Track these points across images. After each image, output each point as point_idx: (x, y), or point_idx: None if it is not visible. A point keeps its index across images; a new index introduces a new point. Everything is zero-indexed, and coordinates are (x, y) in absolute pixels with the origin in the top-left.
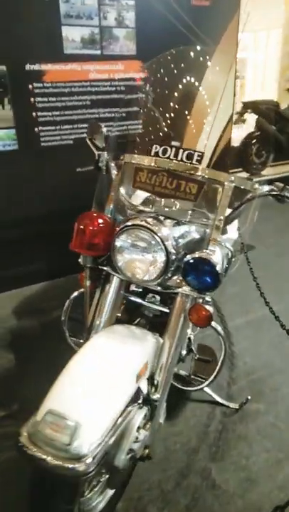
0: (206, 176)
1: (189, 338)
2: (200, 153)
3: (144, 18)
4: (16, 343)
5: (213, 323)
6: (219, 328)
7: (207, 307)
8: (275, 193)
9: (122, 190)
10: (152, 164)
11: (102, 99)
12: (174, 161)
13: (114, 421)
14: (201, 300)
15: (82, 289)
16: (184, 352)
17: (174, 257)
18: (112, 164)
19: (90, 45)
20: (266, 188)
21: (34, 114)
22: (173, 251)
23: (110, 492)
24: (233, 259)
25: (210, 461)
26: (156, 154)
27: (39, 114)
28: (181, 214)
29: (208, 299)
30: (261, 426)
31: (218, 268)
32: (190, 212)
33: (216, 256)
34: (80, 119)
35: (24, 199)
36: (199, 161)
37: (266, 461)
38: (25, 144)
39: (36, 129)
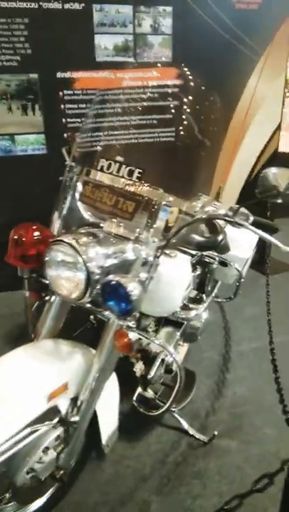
0: (143, 195)
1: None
2: (140, 171)
3: (182, 24)
4: None
5: (170, 349)
6: (175, 356)
7: (129, 333)
8: (228, 219)
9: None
10: (95, 178)
11: (135, 106)
12: (110, 175)
13: (6, 439)
14: (123, 325)
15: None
16: (152, 372)
17: (96, 277)
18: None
19: (123, 52)
20: (222, 211)
21: (64, 120)
22: (96, 271)
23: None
24: (242, 280)
25: (154, 494)
26: (102, 169)
27: (68, 120)
28: (126, 232)
29: (130, 324)
30: (225, 466)
31: (134, 293)
32: (137, 230)
33: (134, 280)
34: (110, 126)
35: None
36: (140, 178)
37: (213, 507)
38: (53, 149)
39: (65, 135)
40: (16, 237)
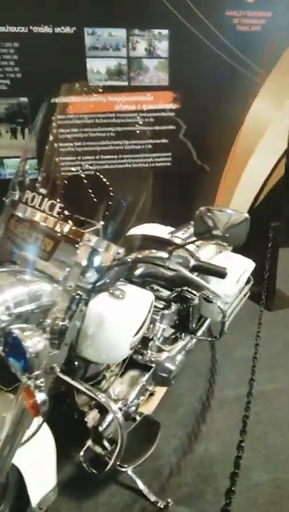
0: (62, 233)
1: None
2: (61, 205)
3: (179, 47)
4: None
5: (113, 406)
6: (118, 415)
7: (37, 394)
8: (159, 262)
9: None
10: (16, 213)
11: (129, 130)
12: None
13: None
14: (30, 383)
15: None
16: (104, 424)
17: (2, 325)
18: None
19: (116, 76)
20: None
21: (55, 144)
22: (2, 318)
23: None
24: (226, 319)
25: None
26: (26, 201)
27: (60, 144)
28: (56, 272)
29: (38, 382)
30: None
31: (34, 349)
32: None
33: (37, 334)
34: (102, 150)
35: None
36: (60, 214)
37: None
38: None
39: (56, 159)
40: None
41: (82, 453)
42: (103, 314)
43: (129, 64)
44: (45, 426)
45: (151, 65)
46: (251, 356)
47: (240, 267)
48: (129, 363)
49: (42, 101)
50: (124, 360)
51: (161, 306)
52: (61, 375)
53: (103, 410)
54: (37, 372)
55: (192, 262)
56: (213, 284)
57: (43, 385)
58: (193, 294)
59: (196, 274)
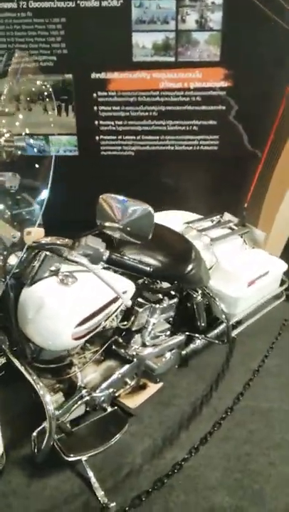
0: None
1: None
2: None
3: (235, 18)
4: None
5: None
6: (48, 400)
7: None
8: (57, 252)
9: None
10: None
11: (173, 110)
12: None
13: None
14: None
15: None
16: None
17: None
18: None
19: (163, 51)
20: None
21: (96, 122)
22: None
23: None
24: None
25: None
26: None
27: (101, 122)
28: None
29: None
30: None
31: None
32: None
33: None
34: (144, 130)
35: (74, 203)
36: None
37: None
38: (85, 151)
39: (97, 138)
40: None
41: (34, 433)
42: (43, 298)
43: (178, 38)
44: None
45: (202, 39)
46: (269, 367)
47: (259, 268)
48: (111, 353)
49: (86, 77)
50: (100, 349)
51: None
52: (11, 357)
53: (69, 394)
54: None
55: (106, 255)
56: (220, 283)
57: None
58: (195, 291)
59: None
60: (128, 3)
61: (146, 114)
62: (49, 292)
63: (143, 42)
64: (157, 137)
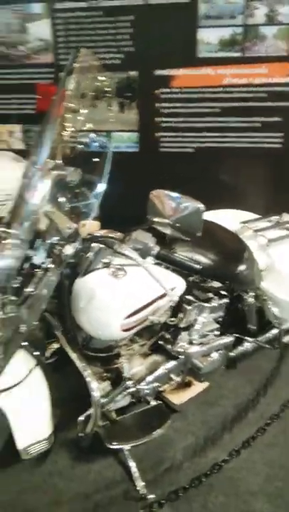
0: None
1: None
2: None
3: None
4: None
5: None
6: (94, 387)
7: None
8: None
9: None
10: None
11: (236, 106)
12: None
13: None
14: None
15: None
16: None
17: None
18: None
19: (230, 47)
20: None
21: (157, 119)
22: None
23: None
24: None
25: None
26: None
27: (163, 119)
28: None
29: None
30: None
31: None
32: None
33: None
34: (205, 127)
35: (132, 198)
36: None
37: None
38: (145, 148)
39: (157, 134)
40: None
41: (81, 417)
42: (95, 290)
43: (245, 33)
44: (40, 377)
45: (270, 33)
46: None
47: None
48: (158, 348)
49: (151, 74)
50: (148, 343)
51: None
52: (64, 343)
53: (116, 384)
54: None
55: (155, 250)
56: (274, 286)
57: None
58: (245, 292)
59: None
60: None
61: (209, 110)
62: (101, 284)
63: (208, 38)
64: (218, 134)
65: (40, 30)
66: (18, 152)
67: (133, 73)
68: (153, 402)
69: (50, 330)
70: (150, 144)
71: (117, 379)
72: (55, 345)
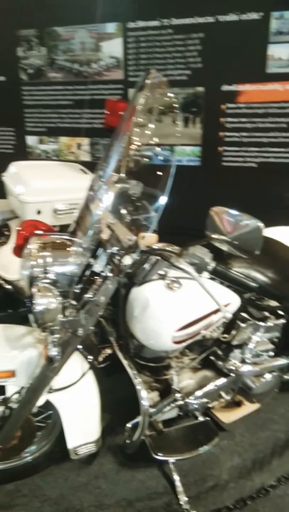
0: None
1: None
2: None
3: None
4: None
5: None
6: (144, 398)
7: (49, 346)
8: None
9: None
10: None
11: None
12: None
13: None
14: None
15: None
16: (157, 408)
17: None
18: None
19: None
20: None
21: (221, 133)
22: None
23: None
24: None
25: None
26: None
27: (227, 134)
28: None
29: (52, 338)
30: None
31: (40, 307)
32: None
33: (52, 295)
34: (270, 142)
35: (191, 212)
36: None
37: None
38: (207, 162)
39: (220, 148)
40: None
41: (129, 424)
42: (149, 300)
43: None
44: (92, 381)
45: None
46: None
47: None
48: (209, 364)
49: (217, 90)
50: (198, 357)
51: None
52: (116, 350)
53: (165, 394)
54: (53, 328)
55: (211, 266)
56: None
57: (56, 340)
58: None
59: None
60: (268, 15)
61: (274, 125)
62: (156, 294)
63: (279, 54)
64: (283, 149)
65: (113, 48)
66: (84, 164)
67: (199, 89)
68: (201, 418)
69: (103, 335)
70: (213, 158)
71: (165, 390)
72: (108, 351)
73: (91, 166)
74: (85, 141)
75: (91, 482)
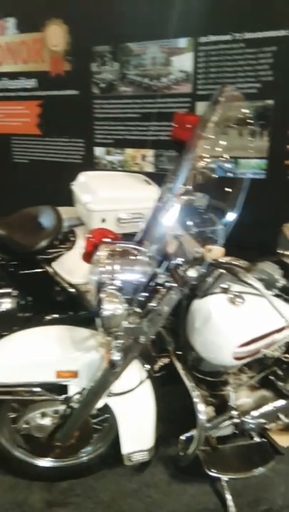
0: None
1: None
2: None
3: None
4: None
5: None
6: (201, 415)
7: (112, 350)
8: (235, 271)
9: None
10: None
11: None
12: None
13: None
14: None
15: None
16: (212, 423)
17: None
18: None
19: None
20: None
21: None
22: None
23: None
24: None
25: None
26: None
27: None
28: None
29: (116, 343)
30: None
31: (108, 312)
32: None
33: (118, 301)
34: None
35: (255, 226)
36: None
37: None
38: (273, 175)
39: (287, 162)
40: None
41: (183, 437)
42: (211, 313)
43: None
44: (149, 390)
45: None
46: None
47: None
48: (268, 384)
49: (287, 102)
50: (257, 376)
51: None
52: (174, 360)
53: (220, 410)
54: (117, 333)
55: (281, 283)
56: None
57: (119, 346)
58: None
59: None
60: None
61: None
62: (218, 308)
63: None
64: None
65: (183, 62)
66: (148, 175)
67: (269, 102)
68: (257, 439)
69: (161, 344)
70: (279, 171)
71: (220, 406)
72: (165, 360)
73: (155, 177)
74: (150, 153)
75: (142, 490)
